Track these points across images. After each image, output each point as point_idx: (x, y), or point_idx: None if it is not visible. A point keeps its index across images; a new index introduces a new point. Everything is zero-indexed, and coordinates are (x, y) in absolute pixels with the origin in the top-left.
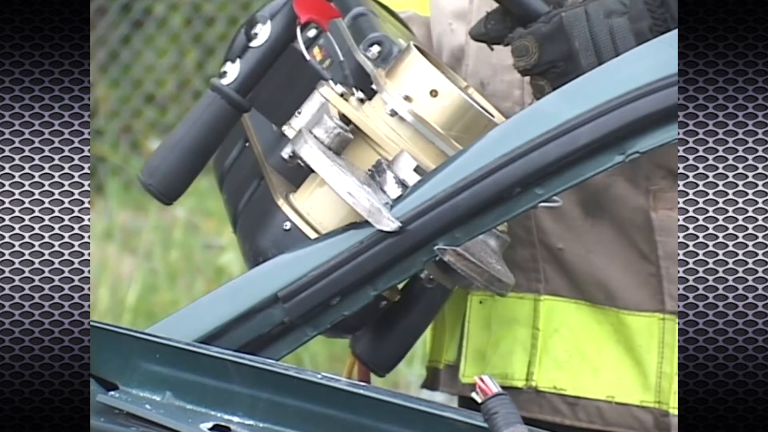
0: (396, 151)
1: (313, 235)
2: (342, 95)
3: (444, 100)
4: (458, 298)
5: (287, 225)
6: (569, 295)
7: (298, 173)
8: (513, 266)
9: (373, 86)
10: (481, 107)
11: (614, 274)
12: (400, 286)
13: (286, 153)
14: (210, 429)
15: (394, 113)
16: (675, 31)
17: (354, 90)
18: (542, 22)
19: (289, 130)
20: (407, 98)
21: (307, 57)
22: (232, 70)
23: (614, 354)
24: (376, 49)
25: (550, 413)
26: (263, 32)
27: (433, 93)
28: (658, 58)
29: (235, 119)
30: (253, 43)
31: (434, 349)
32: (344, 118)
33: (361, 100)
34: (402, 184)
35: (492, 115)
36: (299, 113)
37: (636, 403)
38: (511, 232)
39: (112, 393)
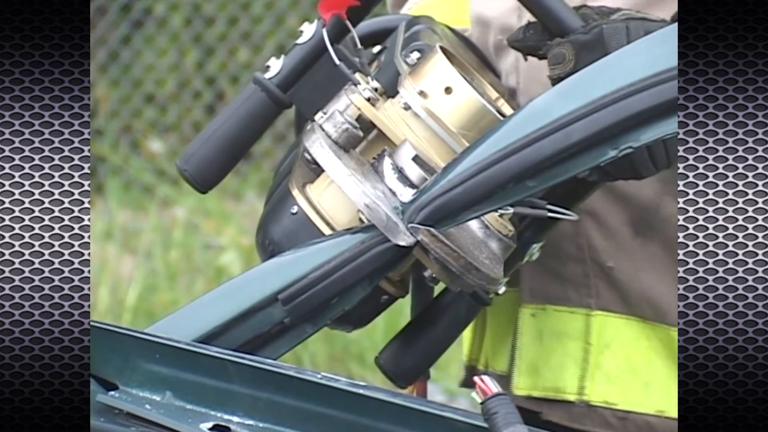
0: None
1: (318, 221)
2: (369, 99)
3: (457, 99)
4: (505, 305)
5: (294, 209)
6: (620, 311)
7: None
8: (565, 281)
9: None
10: (502, 114)
11: (663, 292)
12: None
13: (307, 154)
14: (210, 429)
15: (407, 107)
16: (668, 28)
17: (370, 79)
18: (581, 33)
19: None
20: (422, 93)
21: (337, 62)
22: (275, 65)
23: (664, 369)
24: (415, 55)
25: (600, 427)
26: (309, 30)
27: (448, 90)
28: (651, 54)
29: (274, 113)
30: (299, 40)
31: (473, 348)
32: (365, 120)
33: (383, 96)
34: (399, 171)
35: None
36: (325, 112)
37: None
38: (563, 248)
39: (112, 393)
